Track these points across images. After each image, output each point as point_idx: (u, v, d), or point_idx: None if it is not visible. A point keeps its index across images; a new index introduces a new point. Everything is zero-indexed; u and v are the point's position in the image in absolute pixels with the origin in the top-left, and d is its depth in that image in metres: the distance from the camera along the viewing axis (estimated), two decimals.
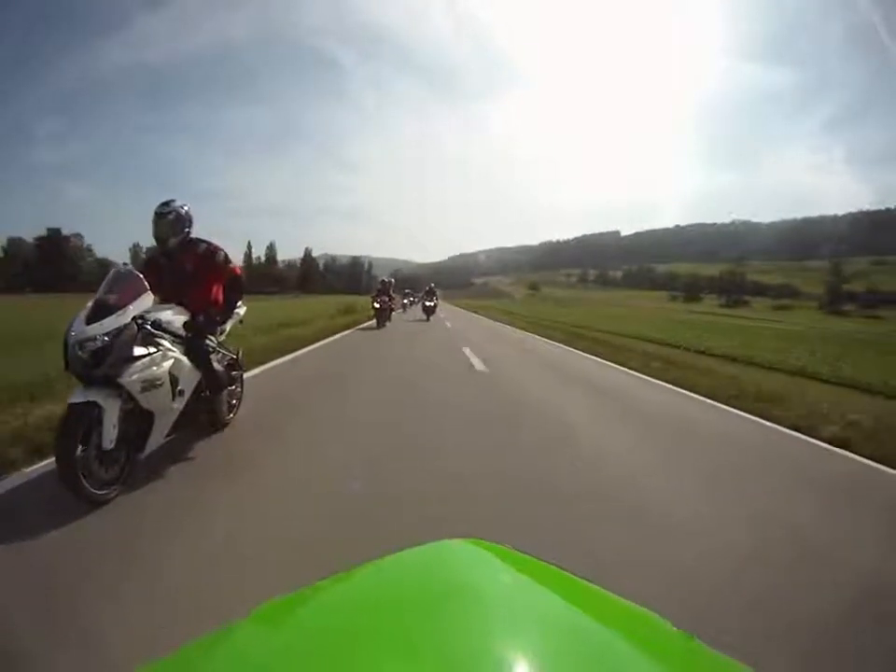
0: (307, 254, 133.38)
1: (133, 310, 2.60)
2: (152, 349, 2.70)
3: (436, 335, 13.67)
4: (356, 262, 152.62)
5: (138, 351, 2.60)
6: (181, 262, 3.26)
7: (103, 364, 2.42)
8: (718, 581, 1.94)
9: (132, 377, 2.53)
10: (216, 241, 3.41)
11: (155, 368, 2.68)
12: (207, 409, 3.32)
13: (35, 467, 2.81)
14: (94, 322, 2.47)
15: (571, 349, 11.30)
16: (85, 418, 2.35)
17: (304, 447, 3.43)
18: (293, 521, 2.30)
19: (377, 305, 15.25)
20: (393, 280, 18.11)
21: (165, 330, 2.83)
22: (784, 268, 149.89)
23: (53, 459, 2.35)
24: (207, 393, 3.25)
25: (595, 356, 9.75)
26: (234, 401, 3.82)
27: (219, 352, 3.49)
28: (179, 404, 2.90)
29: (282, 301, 40.89)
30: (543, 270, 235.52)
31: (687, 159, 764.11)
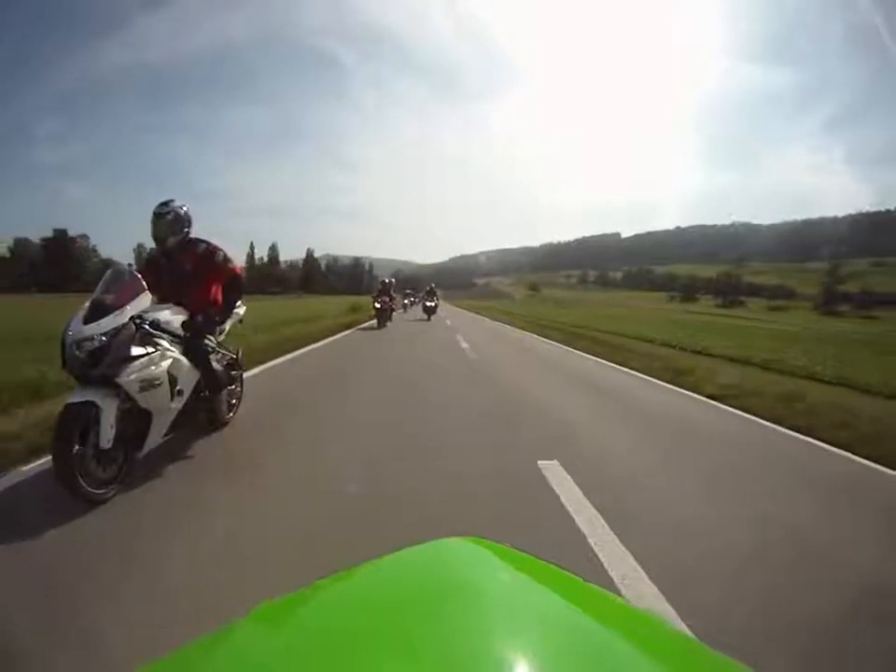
0: (309, 255, 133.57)
1: (131, 310, 2.60)
2: (150, 349, 2.70)
3: (437, 335, 13.81)
4: (357, 263, 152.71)
5: (136, 351, 2.59)
6: (180, 262, 3.25)
7: (100, 364, 2.42)
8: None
9: (129, 377, 2.52)
10: (215, 241, 3.41)
11: (153, 367, 2.67)
12: (206, 408, 3.31)
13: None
14: (92, 322, 2.47)
15: (562, 346, 12.17)
16: (82, 418, 2.35)
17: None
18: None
19: (378, 305, 15.25)
20: (394, 280, 18.12)
21: (164, 330, 2.82)
22: (783, 269, 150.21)
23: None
24: (206, 393, 3.24)
25: (583, 351, 11.03)
26: (234, 401, 3.82)
27: (219, 352, 3.48)
28: (178, 404, 2.90)
29: (284, 302, 41.47)
30: (544, 271, 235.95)
31: (687, 160, 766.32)
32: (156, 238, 3.20)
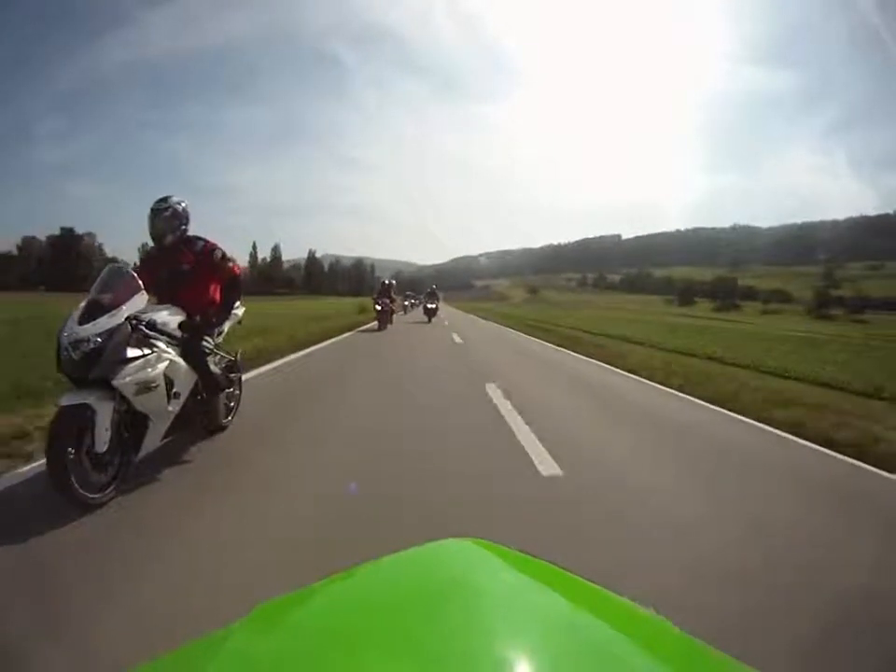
0: (311, 255, 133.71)
1: (127, 310, 2.54)
2: (146, 350, 2.63)
3: (435, 332, 14.39)
4: (359, 264, 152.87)
5: (132, 352, 2.53)
6: (178, 261, 3.17)
7: (95, 365, 2.36)
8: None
9: (125, 379, 2.46)
10: (212, 238, 3.32)
11: (149, 369, 2.61)
12: (204, 411, 3.24)
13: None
14: (87, 322, 2.41)
15: (532, 338, 15.30)
16: (77, 420, 2.29)
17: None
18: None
19: (378, 307, 15.14)
20: (394, 282, 18.04)
21: (160, 331, 2.75)
22: (781, 273, 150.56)
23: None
24: (204, 395, 3.17)
25: (547, 341, 14.03)
26: (232, 404, 3.75)
27: (217, 353, 3.41)
28: (175, 407, 2.83)
29: (291, 302, 42.05)
30: (545, 273, 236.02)
31: (688, 162, 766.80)
32: (153, 235, 3.13)
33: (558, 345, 12.69)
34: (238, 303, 3.64)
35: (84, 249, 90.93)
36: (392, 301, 16.38)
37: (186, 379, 2.94)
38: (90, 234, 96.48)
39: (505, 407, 4.82)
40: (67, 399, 2.33)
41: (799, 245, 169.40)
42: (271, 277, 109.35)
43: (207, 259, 3.25)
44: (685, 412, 5.39)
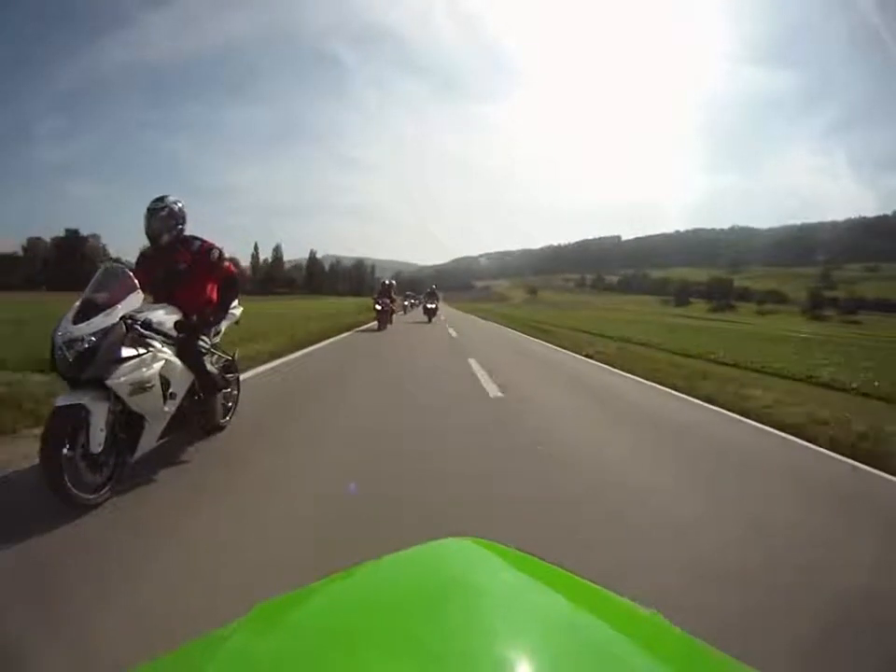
0: (312, 256, 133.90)
1: (122, 309, 2.50)
2: (142, 350, 2.59)
3: (433, 330, 14.84)
4: (359, 264, 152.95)
5: (127, 352, 2.49)
6: (174, 260, 3.14)
7: (89, 365, 2.33)
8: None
9: (120, 379, 2.43)
10: (213, 239, 3.29)
11: (144, 369, 2.57)
12: (201, 412, 3.20)
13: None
14: (81, 321, 2.38)
15: (520, 333, 18.31)
16: (72, 421, 2.27)
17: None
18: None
19: (378, 307, 15.11)
20: (394, 282, 18.02)
21: (156, 330, 2.71)
22: (780, 274, 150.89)
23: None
24: (201, 396, 3.14)
25: (534, 336, 16.42)
26: (230, 404, 3.72)
27: (213, 353, 3.38)
28: (171, 407, 2.80)
29: (292, 302, 42.44)
30: (544, 273, 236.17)
31: (688, 163, 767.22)
32: (149, 235, 3.09)
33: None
34: (235, 303, 3.61)
35: (89, 251, 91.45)
36: (392, 301, 16.36)
37: (182, 379, 2.91)
38: (94, 236, 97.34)
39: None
40: (62, 400, 2.31)
41: (799, 246, 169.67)
42: (272, 277, 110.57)
43: (204, 258, 3.21)
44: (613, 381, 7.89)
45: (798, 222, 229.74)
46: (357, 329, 14.93)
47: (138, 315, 2.61)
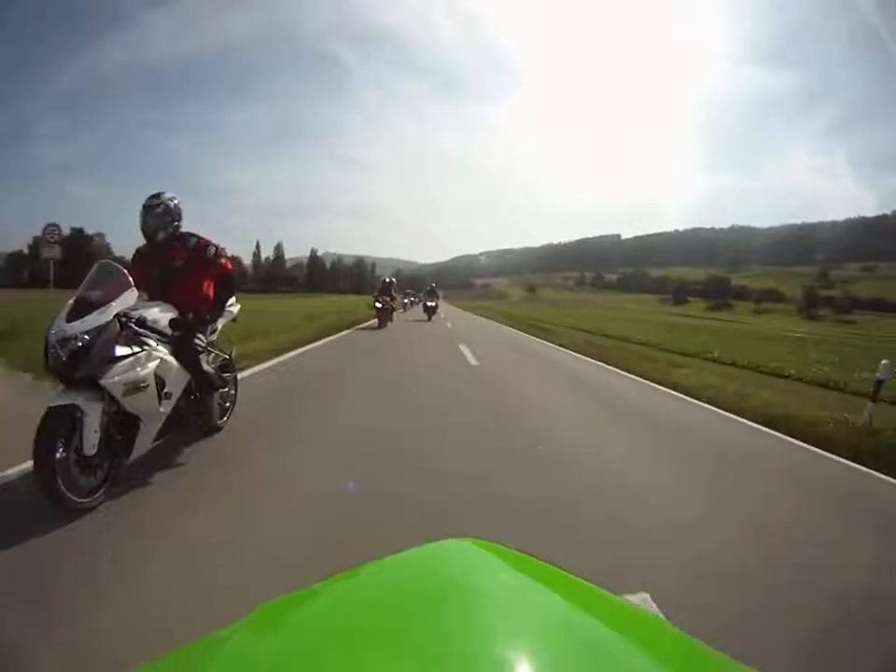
0: (313, 254, 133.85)
1: (116, 307, 2.45)
2: (136, 349, 2.54)
3: (437, 332, 14.84)
4: (360, 262, 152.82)
5: (121, 351, 2.44)
6: (170, 257, 3.08)
7: (83, 364, 2.28)
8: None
9: (113, 378, 2.37)
10: (213, 238, 3.23)
11: (139, 369, 2.52)
12: (198, 412, 3.15)
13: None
14: (75, 320, 2.33)
15: (511, 328, 20.48)
16: (65, 421, 2.22)
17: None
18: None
19: (379, 305, 15.06)
20: (395, 280, 17.97)
21: (151, 329, 2.66)
22: (778, 273, 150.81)
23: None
24: (198, 395, 3.09)
25: (526, 332, 18.41)
26: (227, 404, 3.66)
27: (210, 352, 3.33)
28: (166, 407, 2.75)
29: (293, 300, 42.78)
30: (544, 271, 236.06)
31: (688, 163, 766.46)
32: (145, 232, 3.03)
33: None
34: (232, 300, 3.56)
35: (94, 249, 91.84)
36: (392, 298, 16.31)
37: (178, 378, 2.86)
38: (99, 235, 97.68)
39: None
40: (56, 400, 2.26)
41: (798, 245, 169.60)
42: (274, 276, 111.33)
43: (200, 255, 3.15)
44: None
45: (798, 221, 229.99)
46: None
47: (133, 313, 2.56)
